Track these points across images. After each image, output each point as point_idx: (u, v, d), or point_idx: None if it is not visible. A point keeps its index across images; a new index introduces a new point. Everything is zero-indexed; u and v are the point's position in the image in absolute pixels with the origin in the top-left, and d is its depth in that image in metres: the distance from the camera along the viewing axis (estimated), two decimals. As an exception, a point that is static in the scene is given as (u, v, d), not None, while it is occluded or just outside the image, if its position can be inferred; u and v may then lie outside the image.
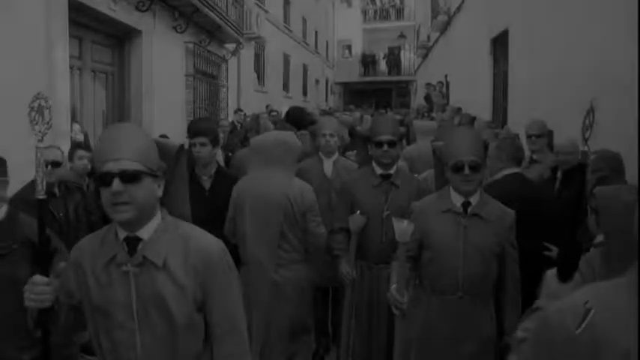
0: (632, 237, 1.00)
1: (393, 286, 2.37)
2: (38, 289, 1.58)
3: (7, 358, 2.22)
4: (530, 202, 2.80)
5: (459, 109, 10.99)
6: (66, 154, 4.05)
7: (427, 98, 14.71)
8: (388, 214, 2.95)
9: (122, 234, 1.57)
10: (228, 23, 9.93)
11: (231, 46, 11.50)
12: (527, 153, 5.00)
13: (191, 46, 8.78)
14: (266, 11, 15.19)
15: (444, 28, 14.75)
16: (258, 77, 15.33)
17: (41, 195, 1.68)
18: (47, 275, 1.62)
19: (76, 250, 1.68)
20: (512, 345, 1.48)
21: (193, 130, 3.27)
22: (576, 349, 0.97)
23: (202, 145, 3.19)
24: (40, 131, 1.70)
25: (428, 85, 14.78)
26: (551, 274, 1.66)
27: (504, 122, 7.81)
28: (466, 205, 2.43)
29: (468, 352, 2.39)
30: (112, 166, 1.48)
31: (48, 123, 1.71)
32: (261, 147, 3.04)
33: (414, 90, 26.80)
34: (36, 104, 1.70)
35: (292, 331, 3.04)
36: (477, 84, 10.14)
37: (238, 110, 11.70)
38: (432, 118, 11.78)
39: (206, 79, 9.85)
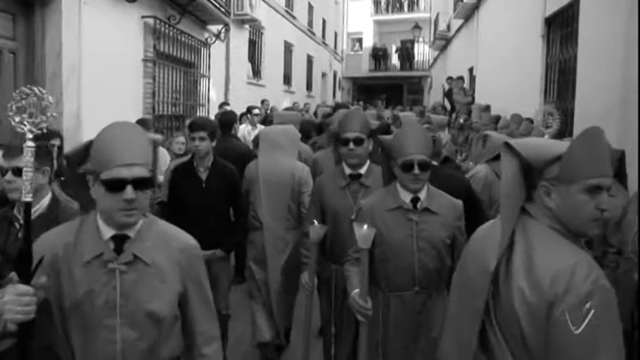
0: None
1: (355, 292, 2.35)
2: (25, 300, 1.40)
3: None
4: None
5: (488, 107, 9.22)
6: None
7: (448, 95, 12.54)
8: None
9: (109, 232, 1.58)
10: (208, -3, 7.87)
11: (216, 28, 9.44)
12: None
13: (151, 21, 6.71)
14: (263, -9, 13.12)
15: (470, 14, 12.61)
16: (254, 68, 13.28)
17: (28, 197, 1.54)
18: (29, 283, 1.44)
19: (43, 246, 1.56)
20: None
21: (194, 126, 3.51)
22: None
23: (202, 139, 3.44)
24: (29, 129, 1.54)
25: (449, 79, 12.60)
26: None
27: (569, 128, 5.71)
28: (415, 200, 2.43)
29: (428, 343, 2.37)
30: (125, 173, 1.49)
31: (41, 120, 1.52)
32: (269, 136, 3.69)
33: (427, 86, 24.80)
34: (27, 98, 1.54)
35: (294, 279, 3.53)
36: (519, 77, 8.03)
37: (224, 104, 9.68)
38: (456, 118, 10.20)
39: (177, 66, 7.78)
